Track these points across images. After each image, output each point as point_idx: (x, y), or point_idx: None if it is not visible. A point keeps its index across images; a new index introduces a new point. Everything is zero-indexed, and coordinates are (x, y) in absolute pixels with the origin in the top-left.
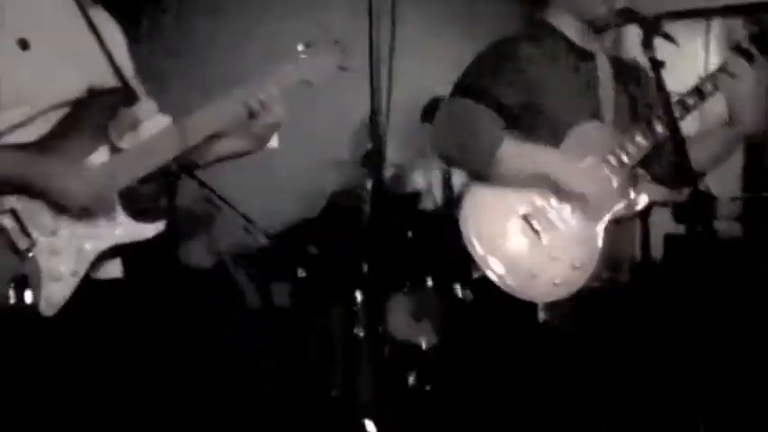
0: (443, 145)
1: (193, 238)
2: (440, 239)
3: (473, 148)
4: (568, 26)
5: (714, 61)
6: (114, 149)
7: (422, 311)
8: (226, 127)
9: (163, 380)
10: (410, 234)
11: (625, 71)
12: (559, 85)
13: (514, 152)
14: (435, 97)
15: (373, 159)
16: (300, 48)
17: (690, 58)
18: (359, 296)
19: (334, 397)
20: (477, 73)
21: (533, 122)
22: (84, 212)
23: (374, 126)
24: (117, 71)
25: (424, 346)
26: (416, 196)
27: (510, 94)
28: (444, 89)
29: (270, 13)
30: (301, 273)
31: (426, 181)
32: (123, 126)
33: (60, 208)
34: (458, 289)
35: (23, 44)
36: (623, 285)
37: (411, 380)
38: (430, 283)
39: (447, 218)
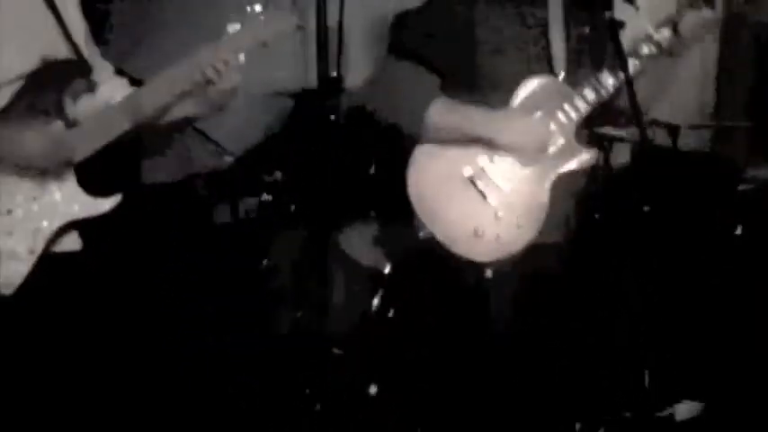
0: (380, 108)
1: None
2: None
3: (406, 112)
4: None
5: None
6: (69, 123)
7: (385, 239)
8: (181, 94)
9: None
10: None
11: (578, 14)
12: (503, 35)
13: (446, 115)
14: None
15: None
16: (258, 8)
17: None
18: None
19: (300, 318)
20: (411, 31)
21: (474, 79)
22: (41, 177)
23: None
24: (72, 43)
25: (386, 271)
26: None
27: (443, 50)
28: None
29: None
30: (266, 197)
31: None
32: (78, 94)
33: (18, 172)
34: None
35: None
36: (570, 242)
37: (375, 304)
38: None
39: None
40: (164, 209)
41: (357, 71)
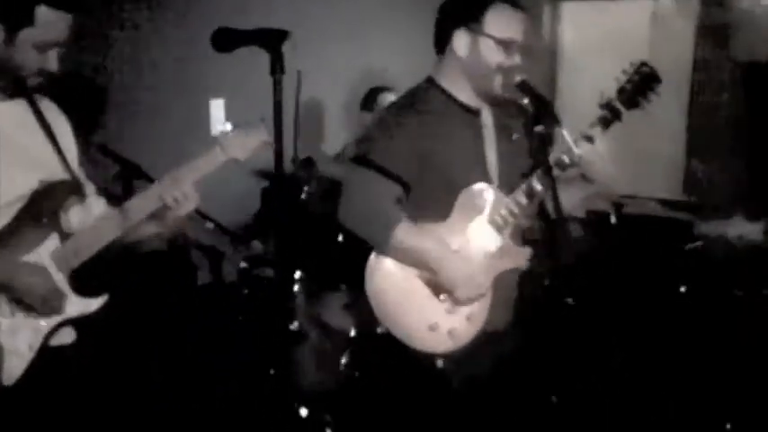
0: (347, 217)
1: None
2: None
3: (372, 228)
4: (459, 90)
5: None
6: (64, 236)
7: (353, 305)
8: (147, 216)
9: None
10: (340, 238)
11: (508, 124)
12: (448, 147)
13: (406, 237)
14: (373, 88)
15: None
16: (229, 128)
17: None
18: (297, 291)
19: (272, 375)
20: (373, 144)
21: (427, 183)
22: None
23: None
24: (67, 166)
25: (352, 334)
26: None
27: (404, 164)
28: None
29: None
30: (244, 265)
31: None
32: (72, 211)
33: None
34: None
35: None
36: (510, 328)
37: (342, 363)
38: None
39: None
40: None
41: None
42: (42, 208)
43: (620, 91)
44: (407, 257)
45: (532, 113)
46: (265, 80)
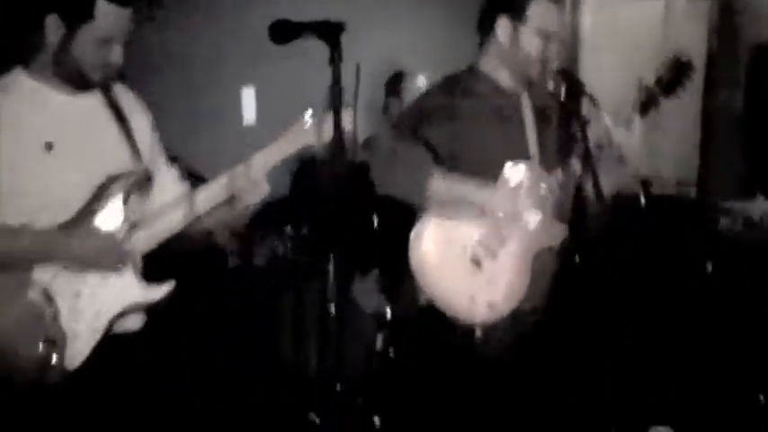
0: (382, 181)
1: None
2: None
3: (407, 183)
4: (499, 73)
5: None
6: (131, 225)
7: (388, 288)
8: (216, 205)
9: None
10: (376, 222)
11: (547, 109)
12: (487, 128)
13: (444, 184)
14: (398, 72)
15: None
16: (308, 116)
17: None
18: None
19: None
20: (411, 116)
21: (463, 160)
22: (106, 275)
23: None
24: (137, 158)
25: (388, 316)
26: None
27: (439, 135)
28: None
29: None
30: (281, 249)
31: None
32: (139, 201)
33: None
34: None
35: (49, 146)
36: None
37: (378, 344)
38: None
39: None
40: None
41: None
42: (110, 197)
43: (659, 80)
44: (449, 197)
45: (571, 97)
46: (296, 69)
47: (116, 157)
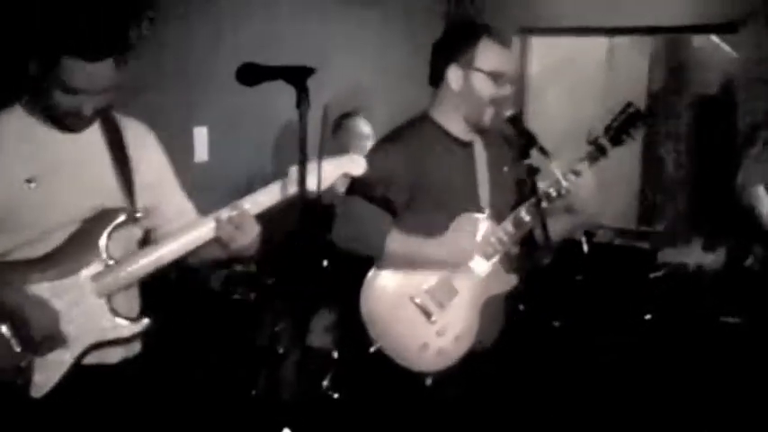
0: (342, 240)
1: None
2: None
3: (365, 245)
4: (451, 122)
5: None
6: (108, 262)
7: (336, 327)
8: (204, 244)
9: None
10: (325, 263)
11: (499, 157)
12: (440, 178)
13: (400, 242)
14: (344, 113)
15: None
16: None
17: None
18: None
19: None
20: (366, 174)
21: (419, 212)
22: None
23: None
24: (129, 195)
25: (335, 356)
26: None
27: (396, 191)
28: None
29: None
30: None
31: None
32: (126, 238)
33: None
34: None
35: (29, 181)
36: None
37: (325, 384)
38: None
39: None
40: None
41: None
42: (91, 233)
43: (607, 129)
44: (403, 257)
45: (521, 146)
46: (248, 108)
47: (106, 194)
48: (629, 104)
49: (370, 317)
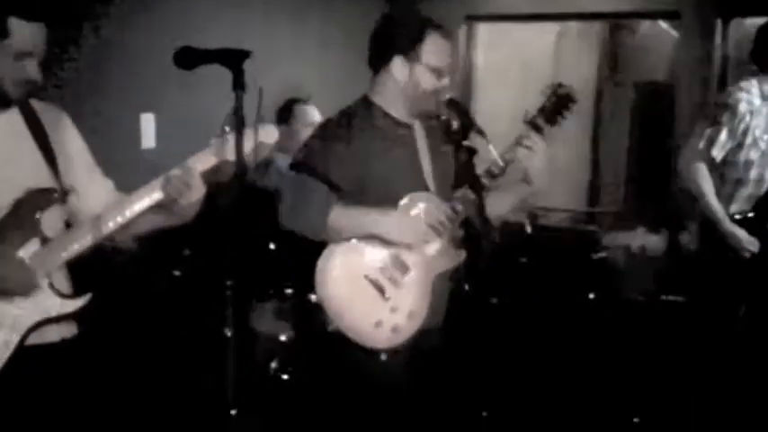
0: (286, 217)
1: None
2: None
3: (307, 220)
4: (393, 106)
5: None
6: (44, 240)
7: (282, 312)
8: (150, 208)
9: None
10: (272, 246)
11: (440, 139)
12: (384, 157)
13: (345, 219)
14: (289, 99)
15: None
16: (227, 129)
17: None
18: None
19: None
20: (310, 151)
21: (363, 192)
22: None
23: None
24: (56, 174)
25: (283, 339)
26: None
27: (338, 170)
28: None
29: None
30: (177, 273)
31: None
32: (57, 218)
33: None
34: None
35: None
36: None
37: (273, 367)
38: (290, 291)
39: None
40: None
41: None
42: (24, 214)
43: (541, 110)
44: (350, 231)
45: (459, 128)
46: (196, 95)
47: (34, 174)
48: (559, 85)
49: (325, 295)
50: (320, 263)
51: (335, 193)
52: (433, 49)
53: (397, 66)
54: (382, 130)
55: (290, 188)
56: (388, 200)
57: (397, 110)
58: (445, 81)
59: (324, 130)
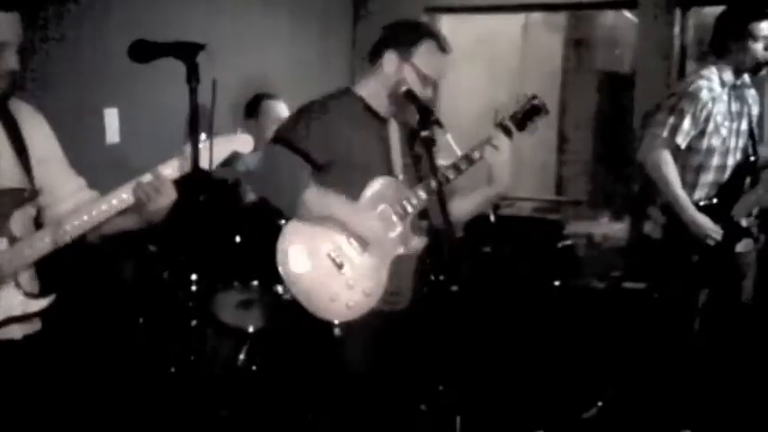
0: (263, 187)
1: None
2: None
3: (284, 192)
4: (374, 98)
5: None
6: (12, 239)
7: (249, 303)
8: (120, 211)
9: None
10: (238, 239)
11: (411, 135)
12: (358, 144)
13: (315, 199)
14: (258, 94)
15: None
16: (203, 137)
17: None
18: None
19: (173, 373)
20: (292, 127)
21: (337, 172)
22: None
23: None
24: (27, 173)
25: (251, 330)
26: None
27: (317, 148)
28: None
29: None
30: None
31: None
32: (25, 217)
33: None
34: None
35: None
36: (403, 309)
37: (240, 358)
38: (256, 282)
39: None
40: None
41: None
42: None
43: (513, 116)
44: (318, 210)
45: (419, 120)
46: (158, 89)
47: (5, 174)
48: (534, 97)
49: (285, 267)
50: (283, 232)
51: (312, 169)
52: (426, 55)
53: (389, 59)
54: (360, 119)
55: (268, 161)
56: (359, 181)
57: (377, 103)
58: (428, 92)
59: (307, 109)
